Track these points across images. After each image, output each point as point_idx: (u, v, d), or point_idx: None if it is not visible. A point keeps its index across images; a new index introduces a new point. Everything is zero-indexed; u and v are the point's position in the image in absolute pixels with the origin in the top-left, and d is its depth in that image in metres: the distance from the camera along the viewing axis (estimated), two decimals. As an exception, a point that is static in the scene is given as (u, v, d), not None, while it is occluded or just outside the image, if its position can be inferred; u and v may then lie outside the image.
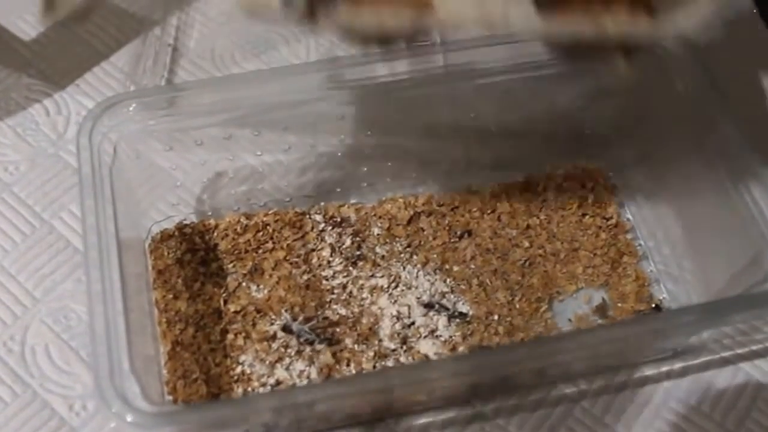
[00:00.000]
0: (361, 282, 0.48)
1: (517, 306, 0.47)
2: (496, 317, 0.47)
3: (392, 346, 0.45)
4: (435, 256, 0.49)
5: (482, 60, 0.46)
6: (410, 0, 0.36)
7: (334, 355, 0.44)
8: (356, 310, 0.47)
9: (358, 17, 0.37)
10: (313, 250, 0.49)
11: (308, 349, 0.44)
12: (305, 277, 0.48)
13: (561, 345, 0.38)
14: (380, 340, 0.46)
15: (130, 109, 0.44)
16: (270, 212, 0.50)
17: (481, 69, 0.47)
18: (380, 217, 0.50)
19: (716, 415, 0.46)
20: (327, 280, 0.48)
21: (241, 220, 0.49)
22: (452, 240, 0.50)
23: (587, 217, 0.51)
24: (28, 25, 0.58)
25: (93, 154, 0.43)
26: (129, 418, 0.36)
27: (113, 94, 0.46)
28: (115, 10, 0.59)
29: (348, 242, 0.49)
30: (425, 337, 0.46)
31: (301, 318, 0.46)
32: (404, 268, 0.48)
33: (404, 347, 0.45)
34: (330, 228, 0.50)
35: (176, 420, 0.37)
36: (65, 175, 0.52)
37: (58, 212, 0.51)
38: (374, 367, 0.44)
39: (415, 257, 0.49)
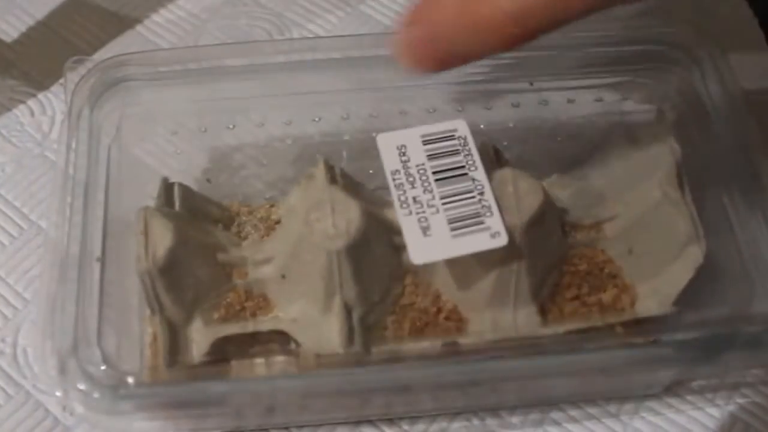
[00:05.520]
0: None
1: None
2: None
3: None
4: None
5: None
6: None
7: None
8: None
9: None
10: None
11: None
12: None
13: (548, 363, 0.38)
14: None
15: (126, 98, 0.44)
16: (272, 205, 0.48)
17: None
18: None
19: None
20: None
21: (242, 209, 0.48)
22: None
23: None
24: (9, 26, 0.58)
25: (92, 135, 0.43)
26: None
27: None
28: (97, 9, 0.59)
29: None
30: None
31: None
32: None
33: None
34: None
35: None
36: (52, 176, 0.52)
37: (46, 213, 0.51)
38: None
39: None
